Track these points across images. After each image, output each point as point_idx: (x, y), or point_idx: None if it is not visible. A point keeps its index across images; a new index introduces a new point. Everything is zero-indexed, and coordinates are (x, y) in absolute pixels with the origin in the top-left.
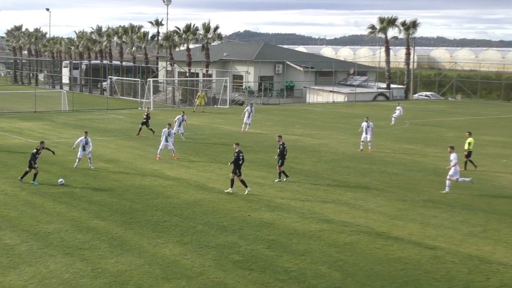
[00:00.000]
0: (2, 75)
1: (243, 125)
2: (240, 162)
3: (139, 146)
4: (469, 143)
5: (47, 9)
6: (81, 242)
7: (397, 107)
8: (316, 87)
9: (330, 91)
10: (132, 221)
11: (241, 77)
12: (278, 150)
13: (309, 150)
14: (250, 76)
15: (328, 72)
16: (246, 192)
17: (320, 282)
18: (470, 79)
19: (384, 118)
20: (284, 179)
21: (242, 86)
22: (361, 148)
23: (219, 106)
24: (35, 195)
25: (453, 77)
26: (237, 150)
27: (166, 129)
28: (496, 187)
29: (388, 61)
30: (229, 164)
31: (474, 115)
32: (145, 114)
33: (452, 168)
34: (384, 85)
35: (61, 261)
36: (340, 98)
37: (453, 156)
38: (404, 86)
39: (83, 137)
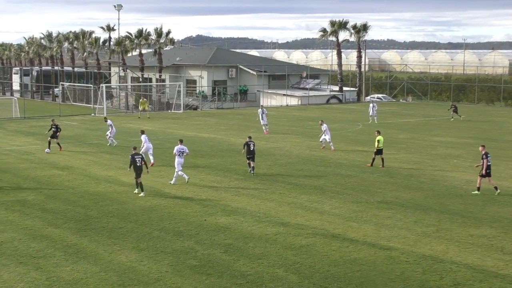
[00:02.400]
0: None
1: (263, 127)
2: (138, 165)
3: (93, 153)
4: (378, 141)
5: None
6: (35, 251)
7: (371, 104)
8: (269, 91)
9: (284, 95)
10: (87, 228)
11: (194, 81)
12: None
13: (263, 153)
14: (203, 80)
15: (281, 76)
16: (141, 194)
17: (277, 285)
18: (420, 81)
19: (338, 121)
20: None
21: (195, 90)
22: (323, 146)
23: (173, 111)
24: None
25: (403, 79)
26: (132, 153)
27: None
28: (448, 187)
29: (340, 64)
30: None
31: (425, 116)
32: (53, 125)
33: (176, 160)
34: (336, 88)
35: (15, 270)
36: (293, 101)
37: (176, 148)
38: (356, 89)
39: None
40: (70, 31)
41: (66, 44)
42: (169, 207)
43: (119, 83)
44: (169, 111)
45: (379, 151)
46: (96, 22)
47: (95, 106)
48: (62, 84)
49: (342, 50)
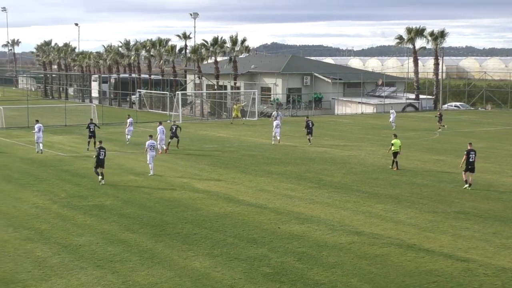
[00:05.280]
0: (33, 89)
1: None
2: (101, 157)
3: (169, 159)
4: (392, 144)
5: (76, 24)
6: (112, 255)
7: (391, 111)
8: (344, 99)
9: (359, 103)
10: (162, 233)
11: (269, 89)
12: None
13: (338, 162)
14: (278, 88)
15: (356, 84)
16: (102, 183)
17: None
18: (500, 88)
19: (414, 129)
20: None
21: (270, 98)
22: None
23: (247, 118)
24: (66, 208)
25: (482, 87)
26: (98, 146)
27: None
28: None
29: (416, 72)
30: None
31: (504, 125)
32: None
33: (148, 154)
34: (413, 96)
35: (92, 273)
36: (368, 109)
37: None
38: (433, 97)
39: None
40: (147, 39)
41: (143, 52)
42: (243, 214)
43: (195, 90)
44: (244, 118)
45: (394, 154)
46: (172, 30)
47: (171, 113)
48: (139, 91)
49: (418, 58)
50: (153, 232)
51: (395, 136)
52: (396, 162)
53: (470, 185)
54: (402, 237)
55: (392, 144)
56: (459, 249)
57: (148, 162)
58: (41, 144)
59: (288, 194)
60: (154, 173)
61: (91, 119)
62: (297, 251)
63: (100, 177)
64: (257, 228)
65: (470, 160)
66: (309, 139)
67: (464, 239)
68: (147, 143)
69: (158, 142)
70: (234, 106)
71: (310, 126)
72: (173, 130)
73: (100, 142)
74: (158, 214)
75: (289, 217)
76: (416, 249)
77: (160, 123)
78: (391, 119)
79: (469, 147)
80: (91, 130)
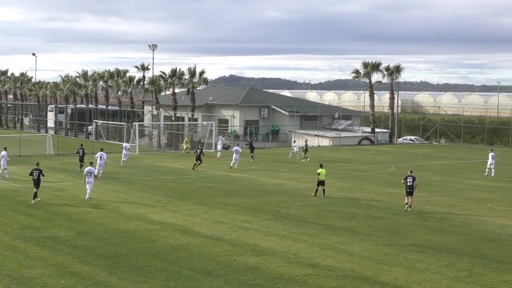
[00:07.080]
0: None
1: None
2: (35, 178)
3: (124, 190)
4: (318, 174)
5: (33, 54)
6: (64, 287)
7: (293, 144)
8: (301, 131)
9: (315, 135)
10: (116, 265)
11: (226, 121)
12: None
13: (294, 194)
14: (235, 120)
15: (313, 116)
16: (32, 202)
17: None
18: (453, 123)
19: (369, 162)
20: None
21: (227, 130)
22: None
23: (204, 150)
24: (19, 239)
25: (436, 121)
26: (34, 167)
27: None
28: (481, 231)
29: (372, 106)
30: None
31: (458, 159)
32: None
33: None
34: (368, 129)
35: None
36: (325, 142)
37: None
38: (389, 130)
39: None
40: (105, 70)
41: (101, 83)
42: (198, 246)
43: (152, 121)
44: (188, 150)
45: (320, 182)
46: (130, 61)
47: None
48: (96, 122)
49: (374, 92)
50: (107, 264)
51: (321, 166)
52: (324, 190)
53: (410, 206)
54: (357, 270)
55: (319, 174)
56: (413, 282)
57: (87, 188)
58: (5, 171)
59: (244, 226)
60: (91, 198)
61: (82, 144)
62: (253, 283)
63: (34, 199)
64: (212, 260)
65: (408, 184)
66: (252, 157)
67: (418, 272)
68: (85, 169)
69: (96, 168)
70: (185, 139)
71: (253, 145)
72: (198, 154)
73: (37, 164)
74: (112, 245)
75: (244, 249)
76: (371, 281)
77: (101, 150)
78: (295, 151)
79: (408, 173)
80: (80, 155)
